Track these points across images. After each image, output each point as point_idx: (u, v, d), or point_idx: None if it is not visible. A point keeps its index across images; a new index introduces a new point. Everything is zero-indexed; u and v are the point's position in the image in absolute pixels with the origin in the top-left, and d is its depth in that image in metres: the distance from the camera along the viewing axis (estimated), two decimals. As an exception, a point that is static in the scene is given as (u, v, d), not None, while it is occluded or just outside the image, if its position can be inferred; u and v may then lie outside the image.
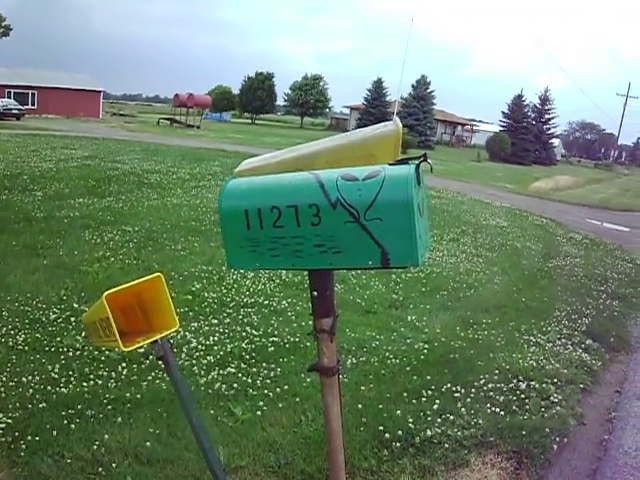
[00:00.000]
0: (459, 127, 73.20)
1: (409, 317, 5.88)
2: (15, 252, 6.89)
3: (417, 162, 1.63)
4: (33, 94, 47.58)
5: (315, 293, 1.80)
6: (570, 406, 4.09)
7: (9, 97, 43.60)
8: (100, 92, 53.99)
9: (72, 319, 5.03)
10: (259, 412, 3.72)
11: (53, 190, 11.09)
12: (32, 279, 6.03)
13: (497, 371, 4.55)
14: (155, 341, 1.85)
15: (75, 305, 5.39)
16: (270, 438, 3.43)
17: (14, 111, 38.94)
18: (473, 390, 4.16)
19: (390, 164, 1.65)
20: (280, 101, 76.91)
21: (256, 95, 70.73)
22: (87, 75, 55.11)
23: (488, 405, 3.94)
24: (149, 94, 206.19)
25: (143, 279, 1.72)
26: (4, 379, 3.94)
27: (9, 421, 3.41)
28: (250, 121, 71.81)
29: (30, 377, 3.99)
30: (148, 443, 3.28)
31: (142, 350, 4.54)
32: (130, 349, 1.67)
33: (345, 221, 1.60)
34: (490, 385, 4.26)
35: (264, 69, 78.53)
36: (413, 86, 58.36)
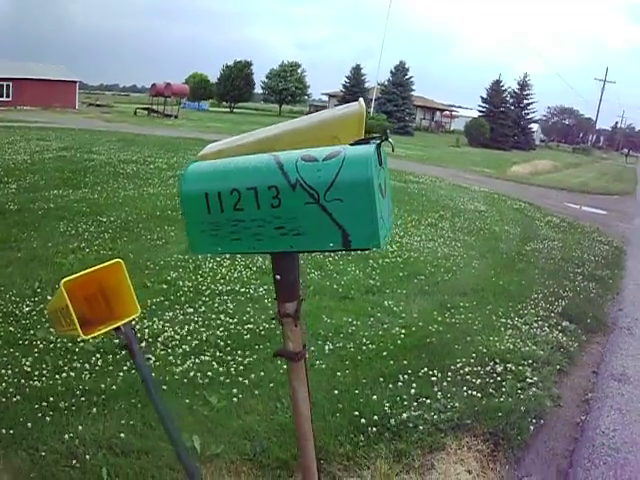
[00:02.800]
0: (438, 113, 73.42)
1: (386, 302, 5.88)
2: (-13, 245, 6.77)
3: (378, 142, 1.60)
4: (7, 86, 46.67)
5: (278, 277, 1.77)
6: (546, 387, 4.13)
7: (-18, 89, 42.84)
8: (76, 83, 53.12)
9: (46, 312, 4.96)
10: (234, 399, 3.70)
11: (27, 182, 10.91)
12: (5, 272, 5.93)
13: (474, 354, 4.58)
14: (118, 329, 1.82)
15: (49, 297, 5.29)
16: (245, 426, 3.41)
17: (-13, 103, 38.31)
18: (450, 374, 4.18)
19: (351, 144, 1.62)
20: (258, 89, 76.45)
21: (234, 84, 70.12)
22: (62, 66, 54.20)
23: (465, 388, 3.96)
24: (126, 84, 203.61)
25: (102, 265, 1.69)
26: (-25, 373, 3.88)
27: (-19, 416, 3.36)
28: (229, 110, 71.22)
29: (3, 371, 3.93)
30: (122, 434, 3.25)
31: (117, 340, 4.50)
32: (90, 336, 1.64)
33: (305, 202, 1.57)
34: (467, 368, 4.29)
35: (243, 58, 77.93)
36: (392, 72, 58.32)
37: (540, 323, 5.56)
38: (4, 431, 3.20)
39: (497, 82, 59.03)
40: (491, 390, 3.99)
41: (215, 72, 74.26)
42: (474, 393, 3.89)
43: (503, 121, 55.55)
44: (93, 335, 1.64)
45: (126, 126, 30.76)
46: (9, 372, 3.91)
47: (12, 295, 5.28)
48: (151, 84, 50.69)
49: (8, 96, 45.96)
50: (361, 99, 1.90)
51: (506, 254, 8.71)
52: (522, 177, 24.93)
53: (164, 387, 3.80)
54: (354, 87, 59.24)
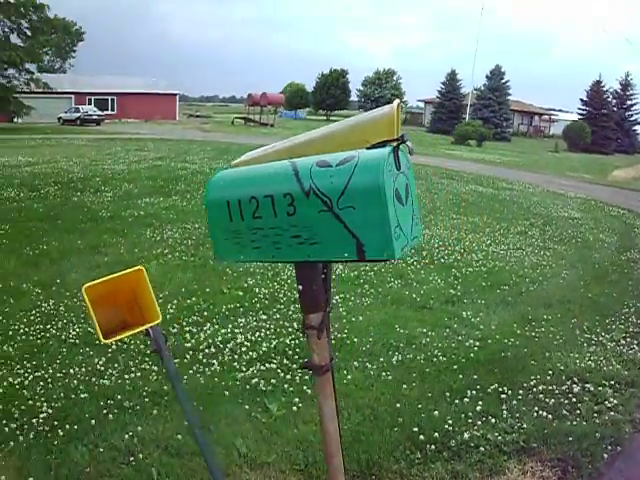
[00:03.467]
0: (536, 117, 70.76)
1: (464, 313, 5.67)
2: (79, 250, 7.17)
3: (394, 145, 1.51)
4: (112, 100, 49.71)
5: (300, 287, 1.71)
6: (627, 411, 3.78)
7: (89, 104, 45.79)
8: (176, 95, 55.69)
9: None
10: (294, 408, 3.67)
11: (123, 191, 11.50)
12: (92, 276, 6.13)
13: (550, 372, 4.29)
14: (147, 334, 1.83)
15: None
16: (301, 436, 3.37)
17: (94, 117, 40.96)
18: (521, 391, 3.93)
19: (367, 148, 1.54)
20: (355, 97, 76.73)
21: (330, 92, 70.82)
22: (163, 79, 57.09)
23: (535, 408, 3.70)
24: (225, 95, 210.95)
25: (123, 272, 1.70)
26: (52, 370, 4.08)
27: (50, 411, 3.52)
28: (325, 118, 71.97)
29: (77, 369, 4.12)
30: (179, 436, 3.30)
31: (189, 345, 4.62)
32: (109, 341, 1.66)
33: (319, 210, 1.50)
34: (541, 387, 4.01)
35: (340, 66, 78.47)
36: (487, 77, 56.86)
37: (628, 340, 5.14)
38: (68, 426, 3.34)
39: (598, 83, 56.06)
40: (564, 412, 3.70)
41: (312, 81, 75.26)
42: (545, 414, 3.61)
43: (605, 124, 52.65)
44: (112, 340, 1.66)
45: (222, 136, 31.84)
46: (82, 370, 4.09)
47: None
48: (247, 94, 52.18)
49: (113, 109, 48.95)
50: (397, 100, 1.81)
51: (599, 264, 8.18)
52: (624, 182, 23.51)
53: (225, 392, 3.84)
54: (449, 93, 58.18)
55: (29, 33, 33.70)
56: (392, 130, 1.72)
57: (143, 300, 1.68)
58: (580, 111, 57.00)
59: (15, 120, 40.22)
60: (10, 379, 3.95)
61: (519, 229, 10.20)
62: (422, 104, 70.50)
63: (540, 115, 71.38)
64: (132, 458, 3.11)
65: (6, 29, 33.45)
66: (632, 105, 57.46)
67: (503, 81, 56.80)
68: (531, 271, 7.47)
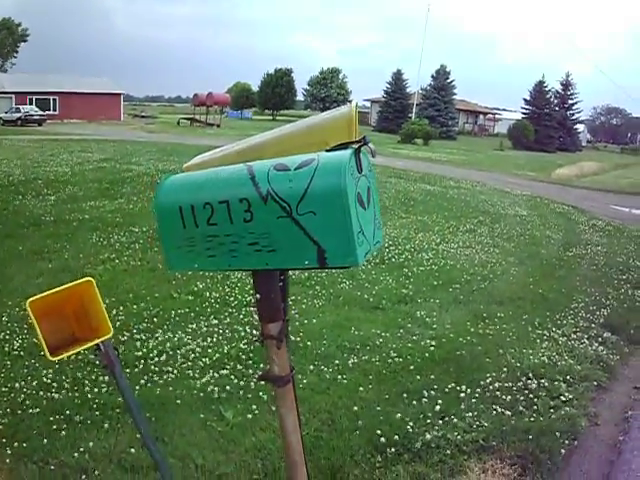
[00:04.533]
0: (481, 116, 72.36)
1: (418, 313, 5.69)
2: (21, 256, 6.87)
3: (356, 147, 1.45)
4: (54, 99, 48.18)
5: (258, 296, 1.64)
6: (582, 405, 3.86)
7: (30, 103, 44.29)
8: (120, 95, 54.45)
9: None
10: (250, 416, 3.59)
11: (66, 194, 11.11)
12: (35, 283, 5.97)
13: (505, 369, 4.34)
14: (98, 348, 1.72)
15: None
16: (259, 443, 3.29)
17: (35, 117, 39.62)
18: (478, 390, 3.96)
19: (327, 150, 1.47)
20: (300, 97, 76.74)
21: (275, 91, 70.60)
22: (107, 79, 55.71)
23: (493, 406, 3.73)
24: (171, 95, 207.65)
25: (71, 284, 1.60)
26: (-6, 386, 3.88)
27: (-2, 428, 3.34)
28: (271, 117, 71.66)
29: (23, 382, 3.93)
30: (133, 449, 3.17)
31: (139, 353, 4.47)
32: (57, 358, 1.55)
33: (277, 216, 1.43)
34: (497, 384, 4.05)
35: (285, 65, 78.39)
36: (433, 77, 57.76)
37: (579, 334, 5.26)
38: (17, 444, 3.18)
39: (540, 83, 57.68)
40: (522, 408, 3.74)
41: (257, 81, 74.97)
42: (503, 411, 3.65)
43: (548, 122, 54.23)
44: (61, 357, 1.55)
45: (168, 136, 31.30)
46: (29, 384, 3.91)
47: (39, 306, 5.29)
48: (193, 94, 51.52)
49: (55, 109, 47.45)
50: (354, 101, 1.76)
51: (546, 260, 8.37)
52: (567, 179, 24.25)
53: (178, 401, 3.72)
54: (395, 92, 58.81)
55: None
56: (351, 131, 1.66)
57: (93, 313, 1.58)
58: (524, 110, 58.52)
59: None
60: (-51, 395, 3.74)
61: (468, 227, 10.35)
62: (368, 103, 71.00)
63: (485, 114, 72.99)
64: (84, 475, 2.97)
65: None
66: (573, 104, 59.34)
67: (448, 81, 57.81)
68: (481, 269, 7.57)
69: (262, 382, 3.98)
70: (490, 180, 19.31)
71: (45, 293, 1.55)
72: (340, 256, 1.42)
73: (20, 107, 41.50)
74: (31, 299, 1.52)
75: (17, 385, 3.87)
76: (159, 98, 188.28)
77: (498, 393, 3.93)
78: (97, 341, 1.60)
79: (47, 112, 43.46)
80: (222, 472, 3.01)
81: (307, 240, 1.42)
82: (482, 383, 4.06)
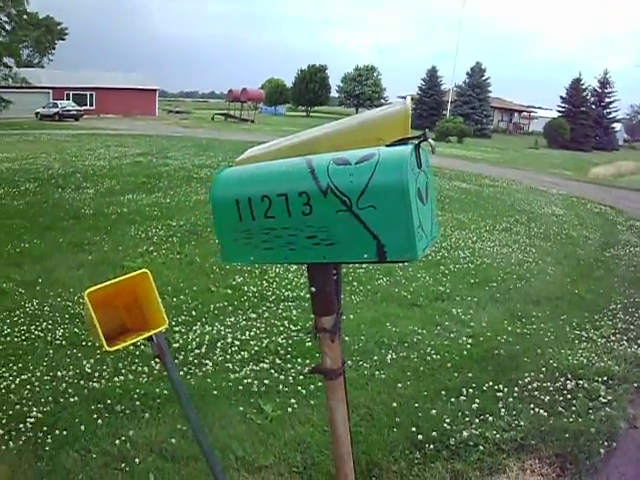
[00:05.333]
0: (516, 114, 71.34)
1: (455, 310, 5.66)
2: (61, 248, 7.03)
3: (416, 142, 1.46)
4: (91, 95, 49.03)
5: (313, 289, 1.65)
6: (621, 407, 3.79)
7: (68, 99, 45.11)
8: (155, 90, 55.12)
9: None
10: (289, 409, 3.61)
11: (104, 187, 11.33)
12: (76, 275, 6.11)
13: (544, 368, 4.29)
14: (150, 339, 1.76)
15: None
16: (298, 437, 3.31)
17: (72, 112, 40.35)
18: (516, 389, 3.92)
19: (387, 145, 1.48)
20: (335, 93, 76.71)
21: (309, 88, 70.73)
22: (142, 74, 56.39)
23: (531, 405, 3.69)
24: (205, 91, 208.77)
25: (128, 276, 1.63)
26: (39, 373, 3.98)
27: (39, 415, 3.43)
28: (305, 114, 71.80)
29: (65, 371, 4.02)
30: (174, 439, 3.23)
31: (177, 345, 4.53)
32: (113, 349, 1.58)
33: (337, 210, 1.44)
34: (535, 384, 4.01)
35: (321, 62, 78.52)
36: (468, 74, 57.15)
37: (618, 336, 5.17)
38: (58, 432, 3.26)
39: (577, 80, 56.58)
40: (560, 408, 3.70)
41: (292, 77, 75.19)
42: (541, 411, 3.61)
43: (584, 121, 53.21)
44: (117, 347, 1.58)
45: (203, 132, 31.57)
46: (70, 373, 4.00)
47: (80, 297, 5.40)
48: (228, 90, 51.88)
49: (91, 105, 48.29)
50: (408, 98, 1.76)
51: (584, 261, 8.24)
52: (604, 179, 23.74)
53: (216, 393, 3.77)
54: (430, 89, 58.37)
55: (8, 28, 33.04)
56: (406, 128, 1.66)
57: (147, 305, 1.61)
58: (559, 108, 57.52)
59: (-8, 115, 39.50)
60: (-5, 383, 3.84)
61: (504, 226, 10.24)
62: (402, 100, 70.46)
63: (520, 112, 71.94)
64: (125, 464, 3.03)
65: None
66: (610, 103, 58.10)
67: (483, 78, 57.15)
68: (518, 268, 7.49)
69: (298, 373, 4.11)
70: (525, 179, 19.03)
71: (102, 284, 1.59)
72: (400, 250, 1.43)
73: (57, 102, 42.31)
74: (89, 290, 1.55)
75: (59, 374, 3.97)
76: (193, 94, 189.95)
77: (536, 393, 3.89)
78: (152, 332, 1.63)
79: (84, 107, 44.24)
80: (262, 464, 3.04)
81: (367, 234, 1.43)
82: (520, 382, 4.02)
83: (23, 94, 39.09)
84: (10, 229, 7.79)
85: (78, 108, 41.94)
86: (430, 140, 1.46)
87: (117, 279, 1.62)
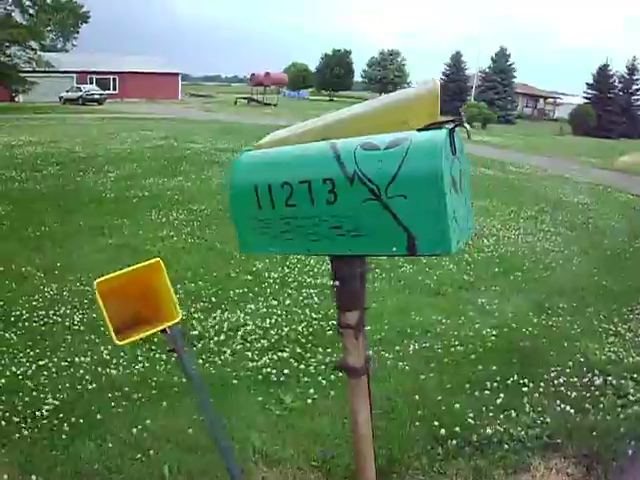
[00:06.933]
0: (541, 100, 70.09)
1: (479, 300, 5.53)
2: (82, 232, 7.03)
3: (451, 126, 1.33)
4: (114, 79, 49.24)
5: (337, 283, 1.55)
6: (652, 405, 3.66)
7: (91, 83, 45.34)
8: (178, 74, 55.12)
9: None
10: (309, 400, 3.54)
11: (126, 171, 11.32)
12: (96, 259, 6.09)
13: (570, 363, 4.14)
14: (164, 331, 1.68)
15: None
16: (318, 429, 3.24)
17: (96, 96, 40.56)
18: (542, 384, 3.79)
19: (419, 130, 1.36)
20: (358, 78, 76.11)
21: (333, 72, 70.22)
22: (165, 59, 56.40)
23: (558, 402, 3.56)
24: (228, 74, 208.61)
25: (139, 265, 1.55)
26: (56, 359, 3.96)
27: (56, 402, 3.41)
28: (328, 98, 71.27)
29: (83, 357, 4.00)
30: (191, 430, 3.18)
31: (196, 332, 4.48)
32: (123, 343, 1.50)
33: (364, 199, 1.33)
34: (561, 379, 3.87)
35: (344, 46, 77.90)
36: (492, 59, 56.19)
37: (648, 330, 5.01)
38: (74, 420, 3.23)
39: (604, 67, 55.21)
40: (587, 405, 3.56)
41: (316, 61, 74.80)
42: (567, 408, 3.48)
43: (610, 108, 52.00)
44: (127, 341, 1.50)
45: (225, 115, 31.47)
46: (88, 359, 3.97)
47: (100, 282, 5.38)
48: (250, 74, 51.68)
49: (114, 89, 48.51)
50: (436, 78, 1.64)
51: (611, 251, 8.01)
52: (631, 167, 23.16)
53: (235, 382, 3.71)
54: (454, 74, 57.54)
55: (32, 11, 33.24)
56: (435, 110, 1.55)
57: (160, 295, 1.53)
58: (586, 95, 56.34)
59: (17, 99, 39.83)
60: (13, 368, 3.83)
61: (529, 214, 10.02)
62: (426, 85, 69.59)
63: (545, 98, 70.66)
64: (142, 453, 2.98)
65: (8, 7, 33.00)
66: (638, 90, 56.74)
67: (508, 63, 56.15)
68: (543, 257, 7.32)
69: (320, 363, 4.03)
70: (551, 166, 18.64)
71: (113, 274, 1.51)
72: (432, 244, 1.32)
73: (81, 86, 42.54)
74: (99, 280, 1.48)
75: (77, 360, 3.95)
76: (216, 78, 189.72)
77: (563, 389, 3.76)
78: (164, 325, 1.55)
79: (107, 91, 44.43)
80: (280, 456, 2.98)
81: (396, 226, 1.32)
82: (546, 377, 3.89)
83: (48, 78, 39.39)
84: (31, 213, 7.81)
85: (101, 92, 42.11)
86: (466, 125, 1.34)
87: (128, 269, 1.54)
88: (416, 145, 1.29)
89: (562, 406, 3.51)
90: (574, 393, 3.70)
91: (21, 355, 4.02)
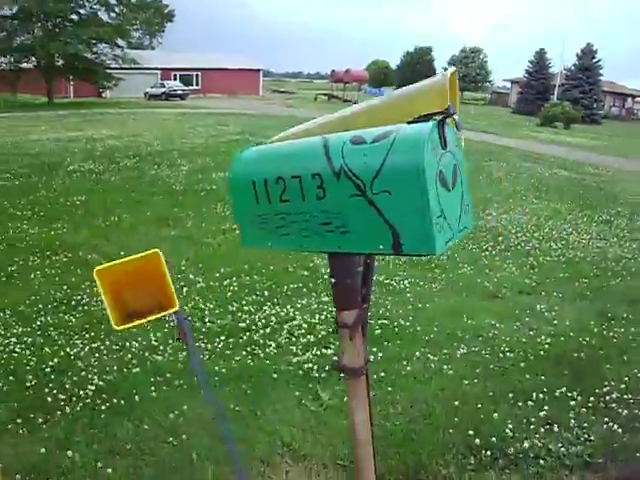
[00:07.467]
0: (630, 99, 66.53)
1: (538, 305, 5.32)
2: (147, 222, 7.28)
3: (439, 118, 1.27)
4: (197, 75, 50.78)
5: (333, 280, 1.52)
6: None
7: (174, 79, 46.92)
8: (259, 71, 56.10)
9: (185, 289, 5.15)
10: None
11: (199, 164, 11.62)
12: (158, 248, 6.27)
13: (626, 378, 3.89)
14: (179, 323, 1.71)
15: (191, 276, 5.52)
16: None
17: (178, 92, 41.92)
18: (592, 398, 3.57)
19: (409, 122, 1.30)
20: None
21: (415, 70, 69.53)
22: (247, 56, 57.61)
23: (606, 419, 3.35)
24: (310, 71, 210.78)
25: (138, 255, 1.57)
26: (108, 342, 4.12)
27: (101, 383, 3.55)
28: (408, 96, 70.55)
29: (133, 342, 4.14)
30: (224, 419, 3.22)
31: (244, 325, 4.54)
32: (121, 328, 1.54)
33: (351, 194, 1.29)
34: (614, 394, 3.63)
35: (426, 43, 77.07)
36: (578, 56, 53.82)
37: None
38: (115, 401, 3.36)
39: None
40: (638, 425, 3.33)
41: (396, 58, 74.43)
42: (615, 427, 3.26)
43: None
44: (124, 327, 1.54)
45: (305, 111, 31.63)
46: (137, 344, 4.09)
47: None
48: (331, 70, 51.94)
49: (197, 84, 49.99)
50: (451, 68, 1.57)
51: (693, 261, 7.51)
52: None
53: (275, 376, 3.73)
54: (537, 72, 55.56)
55: (117, 10, 34.74)
56: (443, 102, 1.48)
57: (159, 285, 1.55)
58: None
59: (104, 95, 41.73)
60: (67, 349, 4.02)
61: (604, 217, 9.54)
62: (509, 84, 67.73)
63: (634, 97, 67.07)
64: (175, 438, 3.06)
65: (95, 6, 34.60)
66: None
67: (594, 60, 53.60)
68: (614, 264, 6.94)
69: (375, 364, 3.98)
70: (635, 168, 17.70)
71: (112, 263, 1.55)
72: (416, 243, 1.25)
73: (165, 82, 44.12)
74: (98, 268, 1.52)
75: (127, 344, 4.09)
76: (298, 74, 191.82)
77: (614, 405, 3.53)
78: (163, 313, 1.57)
79: (190, 87, 45.79)
80: (307, 453, 2.97)
81: (382, 223, 1.27)
82: (597, 391, 3.67)
83: (134, 75, 41.12)
84: (104, 203, 8.15)
85: (184, 88, 43.45)
86: (456, 116, 1.27)
87: (128, 258, 1.57)
88: (400, 138, 1.24)
89: (610, 424, 3.29)
90: (625, 411, 3.47)
91: (77, 337, 4.21)
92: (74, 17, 34.90)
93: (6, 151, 12.80)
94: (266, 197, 1.45)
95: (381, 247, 1.30)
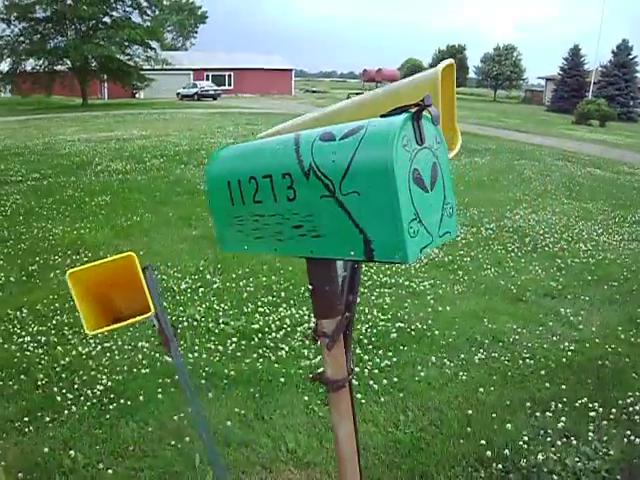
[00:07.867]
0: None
1: (563, 310, 5.12)
2: (170, 222, 7.28)
3: (413, 111, 1.15)
4: (229, 75, 51.15)
5: (310, 287, 1.42)
6: None
7: (207, 79, 47.28)
8: (291, 70, 56.22)
9: (200, 290, 5.11)
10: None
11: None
12: (178, 248, 6.28)
13: (653, 388, 3.73)
14: (161, 328, 1.65)
15: (208, 277, 5.49)
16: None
17: (210, 92, 42.22)
18: (614, 410, 3.40)
19: (382, 116, 1.19)
20: (472, 74, 74.12)
21: (446, 68, 68.88)
22: (279, 56, 57.77)
23: (628, 432, 3.17)
24: (343, 71, 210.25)
25: (112, 258, 1.51)
26: (121, 342, 4.11)
27: (109, 383, 3.53)
28: (440, 95, 69.90)
29: (145, 342, 4.12)
30: (229, 422, 3.18)
31: (257, 326, 4.47)
32: (92, 333, 1.47)
33: (320, 195, 1.20)
34: (638, 406, 3.46)
35: (460, 42, 76.30)
36: (613, 53, 52.50)
37: None
38: (122, 401, 3.33)
39: None
40: (663, 439, 3.17)
41: (429, 57, 73.86)
42: (637, 440, 3.09)
43: None
44: (97, 332, 1.48)
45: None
46: (149, 344, 4.06)
47: (176, 271, 5.54)
48: (363, 70, 51.87)
49: (229, 84, 50.34)
50: (445, 62, 1.46)
51: None
52: None
53: (283, 380, 3.65)
54: (572, 69, 54.40)
55: (149, 13, 35.20)
56: (437, 98, 1.38)
57: (134, 290, 1.48)
58: None
59: (137, 95, 42.32)
60: (80, 348, 4.02)
61: (637, 218, 9.21)
62: (543, 81, 66.49)
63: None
64: (176, 440, 3.01)
65: (127, 9, 35.14)
66: None
67: (630, 57, 52.20)
68: (646, 267, 6.69)
69: (375, 366, 3.88)
70: (675, 169, 17.14)
71: (86, 265, 1.49)
72: (387, 249, 1.14)
73: (197, 83, 44.49)
74: (70, 270, 1.46)
75: (139, 344, 4.06)
76: (332, 74, 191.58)
77: (637, 417, 3.35)
78: (139, 318, 1.50)
79: (222, 87, 46.11)
80: (310, 460, 2.89)
81: (352, 226, 1.17)
82: (620, 403, 3.49)
83: (167, 76, 41.61)
84: (128, 203, 8.20)
85: (216, 88, 43.75)
86: (432, 108, 1.15)
87: (101, 261, 1.51)
88: (370, 133, 1.13)
89: (632, 438, 3.12)
90: (650, 424, 3.31)
91: (90, 336, 4.19)
92: (107, 20, 35.49)
93: (37, 152, 13.01)
94: (240, 198, 1.37)
95: (352, 253, 1.20)
